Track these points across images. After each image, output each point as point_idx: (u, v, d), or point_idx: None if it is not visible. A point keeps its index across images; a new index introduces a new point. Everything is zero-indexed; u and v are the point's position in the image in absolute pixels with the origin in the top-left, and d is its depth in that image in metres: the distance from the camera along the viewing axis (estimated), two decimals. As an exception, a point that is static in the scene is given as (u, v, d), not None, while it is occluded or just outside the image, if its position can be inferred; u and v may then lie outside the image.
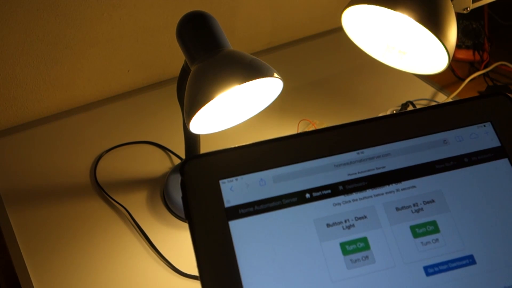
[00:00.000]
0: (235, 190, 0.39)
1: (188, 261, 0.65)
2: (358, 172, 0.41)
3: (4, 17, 0.74)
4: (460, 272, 0.38)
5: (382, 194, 0.40)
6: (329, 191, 0.40)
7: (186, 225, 0.70)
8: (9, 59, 0.79)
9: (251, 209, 0.39)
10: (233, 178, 0.39)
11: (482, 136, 0.43)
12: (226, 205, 0.39)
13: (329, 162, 0.41)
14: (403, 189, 0.40)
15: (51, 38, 0.80)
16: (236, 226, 0.38)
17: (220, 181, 0.39)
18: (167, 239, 0.68)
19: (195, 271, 0.64)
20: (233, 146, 0.40)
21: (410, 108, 0.80)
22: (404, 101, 0.79)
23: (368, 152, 0.41)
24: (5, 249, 0.66)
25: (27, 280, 0.62)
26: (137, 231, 0.69)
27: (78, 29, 0.81)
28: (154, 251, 0.66)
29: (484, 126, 0.43)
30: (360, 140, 0.42)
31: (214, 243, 0.37)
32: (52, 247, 0.66)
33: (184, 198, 0.38)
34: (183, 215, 0.70)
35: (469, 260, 0.39)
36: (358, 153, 0.41)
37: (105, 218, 0.70)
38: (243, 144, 0.40)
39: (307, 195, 0.40)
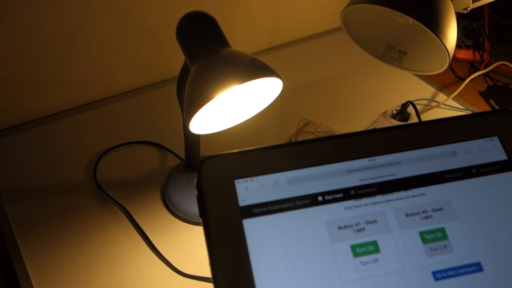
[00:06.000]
0: (249, 190, 0.40)
1: (188, 261, 0.65)
2: (370, 178, 0.42)
3: (4, 17, 0.74)
4: (467, 278, 0.39)
5: (393, 200, 0.41)
6: (341, 195, 0.41)
7: (186, 225, 0.70)
8: (9, 59, 0.79)
9: (265, 209, 0.40)
10: (248, 179, 0.40)
11: (490, 149, 0.44)
12: (241, 204, 0.39)
13: (341, 167, 0.42)
14: (412, 196, 0.42)
15: (51, 38, 0.80)
16: (250, 225, 0.39)
17: (236, 181, 0.40)
18: (167, 239, 0.68)
19: (195, 271, 0.64)
20: (236, 146, 0.41)
21: (410, 108, 0.80)
22: (404, 101, 0.79)
23: (380, 159, 0.42)
24: (4, 249, 0.66)
25: (27, 280, 0.62)
26: (137, 231, 0.69)
27: (78, 29, 0.81)
28: (154, 251, 0.66)
29: (492, 140, 0.44)
30: (372, 148, 0.43)
31: (228, 240, 0.38)
32: (52, 247, 0.66)
33: (199, 196, 0.39)
34: (182, 215, 0.70)
35: (477, 267, 0.40)
36: (369, 160, 0.42)
37: (105, 218, 0.70)
38: (258, 146, 0.42)
39: (320, 198, 0.41)
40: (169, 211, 0.72)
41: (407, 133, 0.44)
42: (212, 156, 0.40)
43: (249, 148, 0.41)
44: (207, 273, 0.64)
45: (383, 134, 0.43)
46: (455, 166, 0.43)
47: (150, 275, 0.64)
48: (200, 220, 0.38)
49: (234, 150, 0.41)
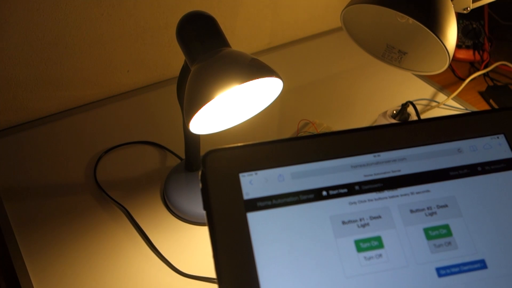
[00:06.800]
0: (254, 183, 0.40)
1: (188, 261, 0.65)
2: (374, 174, 0.42)
3: (4, 17, 0.74)
4: (471, 275, 0.39)
5: (397, 196, 0.41)
6: (345, 190, 0.41)
7: (186, 225, 0.70)
8: (9, 59, 0.79)
9: (269, 202, 0.40)
10: (253, 172, 0.40)
11: (495, 147, 0.44)
12: (245, 197, 0.39)
13: (346, 162, 0.42)
14: (417, 193, 0.42)
15: (51, 38, 0.80)
16: (254, 218, 0.39)
17: (240, 174, 0.40)
18: (167, 239, 0.68)
19: (195, 271, 0.64)
20: (242, 143, 0.41)
21: (410, 108, 0.80)
22: (404, 101, 0.79)
23: (385, 155, 0.43)
24: (4, 249, 0.66)
25: (27, 280, 0.62)
26: (137, 231, 0.69)
27: (78, 29, 0.81)
28: (154, 251, 0.66)
29: (498, 137, 0.44)
30: (377, 143, 0.43)
31: (232, 233, 0.38)
32: (52, 247, 0.66)
33: (203, 189, 0.39)
34: (182, 215, 0.70)
35: (481, 265, 0.40)
36: (374, 156, 0.42)
37: (105, 218, 0.70)
38: (263, 140, 0.42)
39: (324, 193, 0.41)
40: (169, 211, 0.72)
41: (413, 129, 0.44)
42: (217, 149, 0.40)
43: (254, 142, 0.41)
44: (207, 273, 0.64)
45: (388, 130, 0.44)
46: (461, 163, 0.43)
47: (150, 275, 0.64)
48: (204, 214, 0.38)
49: (239, 144, 0.41)
